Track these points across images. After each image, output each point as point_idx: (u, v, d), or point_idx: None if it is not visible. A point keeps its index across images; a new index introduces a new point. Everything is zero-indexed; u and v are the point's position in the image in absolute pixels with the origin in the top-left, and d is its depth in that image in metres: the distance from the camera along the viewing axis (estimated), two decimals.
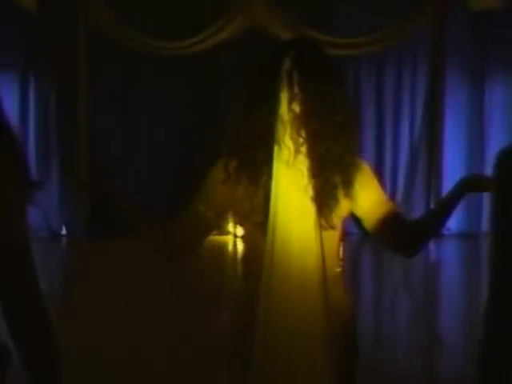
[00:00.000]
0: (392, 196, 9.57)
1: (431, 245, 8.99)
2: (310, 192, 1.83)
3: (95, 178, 8.66)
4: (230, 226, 9.00)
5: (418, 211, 8.73)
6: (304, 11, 9.22)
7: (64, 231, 9.47)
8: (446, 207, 2.06)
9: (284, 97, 1.85)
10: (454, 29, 9.20)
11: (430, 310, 6.39)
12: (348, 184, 1.92)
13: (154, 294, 6.16)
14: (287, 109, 1.85)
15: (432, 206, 9.11)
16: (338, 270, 2.03)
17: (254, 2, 9.17)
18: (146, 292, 6.21)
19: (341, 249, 2.06)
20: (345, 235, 2.07)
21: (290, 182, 1.83)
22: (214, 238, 9.31)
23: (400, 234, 2.02)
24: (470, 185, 2.03)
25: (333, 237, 1.97)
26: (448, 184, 8.26)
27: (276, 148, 1.85)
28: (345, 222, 2.02)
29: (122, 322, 5.36)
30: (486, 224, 9.03)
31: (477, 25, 9.16)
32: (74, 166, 9.07)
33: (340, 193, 1.91)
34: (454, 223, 9.23)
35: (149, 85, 9.49)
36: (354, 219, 2.08)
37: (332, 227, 1.92)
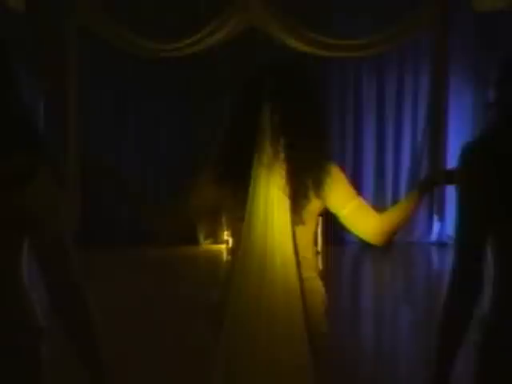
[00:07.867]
0: (394, 198, 9.42)
1: (434, 254, 8.82)
2: (287, 191, 2.19)
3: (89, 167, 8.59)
4: (225, 235, 8.74)
5: (420, 212, 8.58)
6: (302, 12, 9.03)
7: None
8: (412, 200, 2.32)
9: (266, 110, 2.20)
10: (457, 29, 9.11)
11: (432, 321, 6.10)
12: (318, 185, 2.25)
13: (146, 306, 6.05)
14: (269, 120, 2.20)
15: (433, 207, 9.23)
16: (310, 256, 2.36)
17: (250, 2, 9.01)
18: (137, 301, 6.15)
19: (319, 238, 2.47)
20: (323, 217, 2.46)
21: (270, 183, 2.19)
22: (210, 247, 9.12)
23: (367, 225, 2.32)
24: (433, 179, 2.33)
25: (305, 231, 2.30)
26: (451, 185, 8.02)
27: (257, 155, 2.19)
28: (317, 217, 2.36)
29: (116, 331, 5.11)
30: None
31: (480, 25, 9.02)
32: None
33: (311, 193, 2.25)
34: None
35: (140, 86, 9.35)
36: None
37: (303, 223, 2.26)
